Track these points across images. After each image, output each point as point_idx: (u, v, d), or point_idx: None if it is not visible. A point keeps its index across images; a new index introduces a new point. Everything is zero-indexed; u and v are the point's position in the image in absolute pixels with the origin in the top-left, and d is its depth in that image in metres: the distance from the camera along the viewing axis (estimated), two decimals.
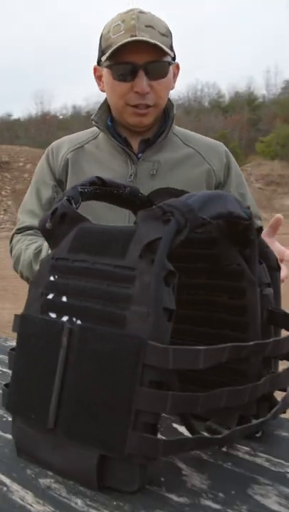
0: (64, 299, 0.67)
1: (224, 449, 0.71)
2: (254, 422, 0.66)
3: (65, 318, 0.66)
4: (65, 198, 0.73)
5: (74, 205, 0.74)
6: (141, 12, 1.24)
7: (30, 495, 0.60)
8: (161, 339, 0.58)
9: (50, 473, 0.65)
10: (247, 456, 0.70)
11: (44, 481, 0.63)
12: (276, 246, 1.01)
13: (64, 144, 1.37)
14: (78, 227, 0.70)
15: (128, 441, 0.58)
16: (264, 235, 1.02)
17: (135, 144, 1.34)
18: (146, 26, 1.20)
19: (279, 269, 0.80)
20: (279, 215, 1.05)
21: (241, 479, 0.64)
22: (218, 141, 1.41)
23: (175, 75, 1.33)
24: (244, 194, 1.37)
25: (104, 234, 0.67)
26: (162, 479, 0.64)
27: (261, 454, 0.71)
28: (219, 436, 0.62)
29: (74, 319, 0.65)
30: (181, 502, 0.59)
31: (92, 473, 0.60)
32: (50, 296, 0.68)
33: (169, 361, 0.58)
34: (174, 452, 0.62)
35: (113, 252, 0.64)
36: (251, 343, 0.62)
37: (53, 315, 0.67)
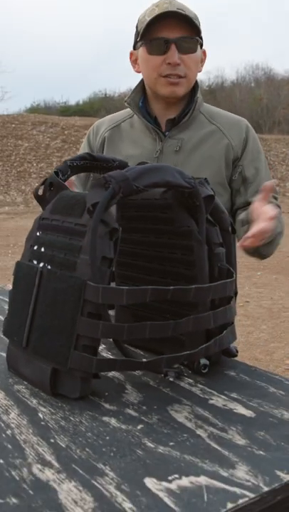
0: (42, 249, 0.85)
1: (171, 379, 0.86)
2: (182, 353, 0.80)
3: (41, 264, 0.84)
4: (54, 170, 0.91)
5: (62, 176, 0.92)
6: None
7: (3, 394, 0.81)
8: (97, 280, 0.75)
9: (26, 382, 0.85)
10: (186, 386, 0.85)
11: (17, 387, 0.83)
12: (265, 208, 1.09)
13: (104, 123, 1.55)
14: (60, 193, 0.88)
15: (70, 358, 0.76)
16: (259, 200, 1.13)
17: (163, 123, 1.45)
18: (179, 9, 1.34)
19: (233, 232, 0.92)
20: (268, 182, 1.13)
21: (168, 399, 0.79)
22: (240, 117, 1.50)
23: (202, 60, 1.46)
24: (258, 169, 1.44)
25: (73, 198, 0.84)
26: (106, 393, 0.81)
27: (199, 385, 0.85)
28: (144, 360, 0.77)
29: (46, 265, 0.83)
30: (109, 408, 0.76)
31: (47, 382, 0.79)
32: (35, 248, 0.87)
33: (99, 297, 0.74)
34: (105, 369, 0.78)
35: (76, 213, 0.81)
36: (171, 287, 0.76)
37: (34, 262, 0.86)
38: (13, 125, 17.91)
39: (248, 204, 1.38)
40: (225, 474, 0.57)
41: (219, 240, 0.88)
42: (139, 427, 0.71)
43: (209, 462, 0.61)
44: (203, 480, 0.56)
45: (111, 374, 0.89)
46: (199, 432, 0.69)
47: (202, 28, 1.41)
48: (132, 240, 0.98)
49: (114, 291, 0.74)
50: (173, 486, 0.55)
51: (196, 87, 1.46)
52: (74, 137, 17.97)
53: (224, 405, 0.77)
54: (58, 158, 17.07)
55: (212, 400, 0.79)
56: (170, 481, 0.56)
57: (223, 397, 0.80)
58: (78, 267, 0.77)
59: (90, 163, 0.96)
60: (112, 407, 0.77)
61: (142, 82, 1.48)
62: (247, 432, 0.68)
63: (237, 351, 0.94)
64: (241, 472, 0.58)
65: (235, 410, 0.76)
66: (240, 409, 0.76)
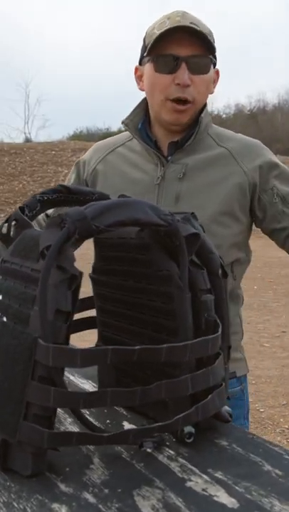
0: (0, 297, 0.75)
1: (149, 450, 0.73)
2: (153, 425, 0.67)
3: None
4: (20, 205, 0.81)
5: (29, 212, 0.81)
6: (186, 12, 1.26)
7: None
8: (48, 338, 0.63)
9: None
10: (165, 460, 0.71)
11: None
12: None
13: (97, 152, 1.42)
14: (23, 233, 0.77)
15: (19, 430, 0.64)
16: None
17: (165, 146, 1.33)
18: (192, 23, 1.22)
19: (224, 275, 0.79)
20: None
21: (138, 480, 0.66)
22: (255, 140, 1.35)
23: (215, 81, 1.33)
24: None
25: (32, 239, 0.73)
26: (67, 469, 0.69)
27: (180, 459, 0.71)
28: (104, 434, 0.65)
29: (2, 316, 0.72)
30: (64, 491, 0.63)
31: None
32: None
33: (49, 359, 0.62)
34: (59, 444, 0.65)
35: (33, 256, 0.70)
36: (137, 347, 0.63)
37: None
38: (54, 152, 18.24)
39: None
40: None
41: (206, 286, 0.75)
42: None
43: None
44: None
45: None
46: None
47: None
48: (111, 283, 0.86)
49: (66, 352, 0.62)
50: None
51: (203, 108, 1.33)
52: None
53: (203, 490, 0.64)
54: None
55: (191, 481, 0.66)
56: None
57: (205, 477, 0.67)
58: (31, 320, 0.66)
59: (65, 197, 0.86)
60: (68, 490, 0.64)
61: (144, 101, 1.36)
62: None
63: (231, 416, 0.80)
64: None
65: (215, 498, 0.62)
66: (222, 497, 0.62)
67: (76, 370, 1.06)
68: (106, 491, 0.64)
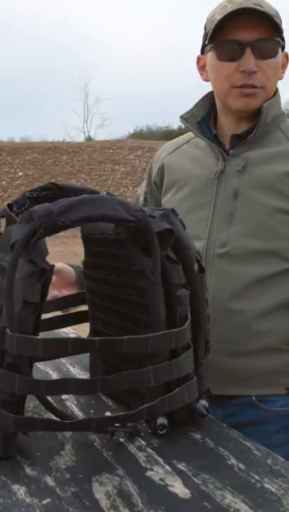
0: None
1: (121, 439, 0.75)
2: (117, 414, 0.69)
3: None
4: (8, 202, 0.84)
5: (18, 208, 0.85)
6: None
7: None
8: (14, 328, 0.66)
9: None
10: (134, 450, 0.73)
11: None
12: None
13: (165, 149, 1.38)
14: (7, 228, 0.81)
15: None
16: None
17: (227, 140, 1.23)
18: (255, 4, 1.11)
19: (201, 270, 0.80)
20: None
21: (101, 467, 0.68)
22: None
23: (284, 65, 1.20)
24: None
25: (11, 234, 0.76)
26: (38, 454, 0.72)
27: (148, 450, 0.73)
28: (67, 421, 0.67)
29: None
30: (28, 474, 0.67)
31: None
32: None
33: (13, 347, 0.65)
34: (24, 429, 0.69)
35: (9, 250, 0.74)
36: (97, 338, 0.66)
37: None
38: (111, 150, 18.45)
39: None
40: None
41: (181, 281, 0.76)
42: (44, 502, 0.61)
43: None
44: None
45: None
46: None
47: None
48: (98, 277, 0.88)
49: (28, 341, 0.65)
50: None
51: (276, 96, 1.21)
52: None
53: (161, 480, 0.65)
54: None
55: (152, 471, 0.68)
56: None
57: (167, 467, 0.68)
58: (3, 311, 0.69)
59: (55, 194, 0.89)
60: (32, 473, 0.67)
61: (208, 94, 1.27)
62: None
63: (207, 411, 0.81)
64: None
65: (170, 488, 0.63)
66: (177, 487, 0.63)
67: (76, 362, 1.09)
68: (67, 475, 0.66)
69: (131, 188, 16.99)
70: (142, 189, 1.40)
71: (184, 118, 1.26)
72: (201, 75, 1.24)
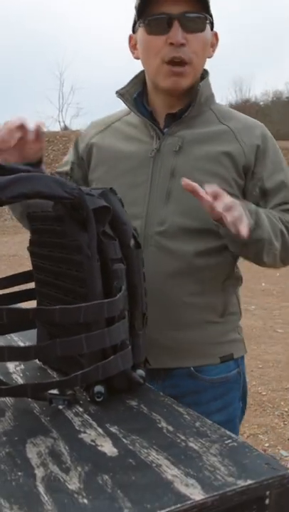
0: None
1: (60, 407, 0.79)
2: (51, 381, 0.73)
3: None
4: None
5: None
6: None
7: None
8: None
9: None
10: (70, 415, 0.77)
11: None
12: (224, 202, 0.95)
13: (94, 127, 1.35)
14: None
15: None
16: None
17: (162, 118, 1.23)
18: None
19: (137, 246, 0.83)
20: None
21: (37, 430, 0.72)
22: (258, 122, 1.25)
23: (213, 44, 1.23)
24: (283, 181, 1.21)
25: None
26: None
27: (85, 415, 0.77)
28: (3, 387, 0.71)
29: None
30: None
31: None
32: None
33: None
34: None
35: None
36: (31, 307, 0.69)
37: None
38: None
39: None
40: None
41: (117, 255, 0.80)
42: None
43: (17, 509, 0.53)
44: None
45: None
46: (37, 471, 0.61)
47: None
48: (42, 254, 0.92)
49: None
50: None
51: (204, 77, 1.23)
52: None
53: (92, 441, 0.69)
54: None
55: (84, 433, 0.71)
56: None
57: (99, 430, 0.72)
58: None
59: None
60: None
61: (141, 72, 1.28)
62: (90, 475, 0.60)
63: (144, 380, 0.85)
64: None
65: (99, 447, 0.67)
66: (106, 447, 0.67)
67: (21, 335, 1.12)
68: (4, 438, 0.70)
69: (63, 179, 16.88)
70: (68, 158, 1.37)
71: (120, 93, 1.26)
72: (132, 53, 1.25)
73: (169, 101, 1.22)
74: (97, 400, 0.80)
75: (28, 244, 0.97)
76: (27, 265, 0.98)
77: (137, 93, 1.27)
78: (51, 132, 19.71)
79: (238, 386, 1.23)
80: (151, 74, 1.20)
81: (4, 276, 1.02)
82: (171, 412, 0.78)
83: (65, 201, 0.75)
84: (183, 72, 1.15)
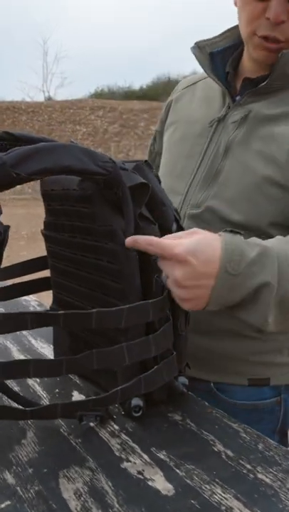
0: None
1: (91, 424, 0.66)
2: (87, 399, 0.60)
3: None
4: None
5: None
6: None
7: None
8: None
9: None
10: (106, 436, 0.64)
11: None
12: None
13: (177, 88, 1.15)
14: None
15: None
16: None
17: (239, 83, 0.99)
18: None
19: (180, 230, 0.70)
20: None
21: (69, 458, 0.59)
22: None
23: None
24: None
25: None
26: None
27: (122, 435, 0.64)
28: (28, 409, 0.57)
29: None
30: None
31: None
32: None
33: None
34: None
35: None
36: (61, 312, 0.55)
37: None
38: (72, 110, 17.98)
39: None
40: None
41: None
42: (3, 506, 0.51)
43: None
44: None
45: None
46: None
47: None
48: (61, 240, 0.77)
49: None
50: None
51: None
52: (132, 121, 17.80)
53: (139, 473, 0.57)
54: (116, 142, 17.00)
55: (128, 461, 0.59)
56: None
57: (145, 457, 0.60)
58: None
59: (10, 145, 0.76)
60: None
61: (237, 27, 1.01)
62: None
63: (187, 389, 0.72)
64: None
65: (149, 482, 0.55)
66: (158, 481, 0.55)
67: (38, 335, 0.99)
68: (30, 470, 0.57)
69: (93, 149, 16.65)
70: (156, 127, 1.19)
71: (197, 45, 1.01)
72: (235, 4, 0.99)
73: (258, 65, 0.98)
74: (135, 415, 0.67)
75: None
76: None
77: (221, 48, 1.03)
78: (36, 102, 19.28)
79: (274, 418, 0.97)
80: (243, 36, 0.98)
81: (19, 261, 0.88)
82: (224, 429, 0.66)
83: (97, 177, 0.61)
84: (277, 49, 0.93)
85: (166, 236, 0.63)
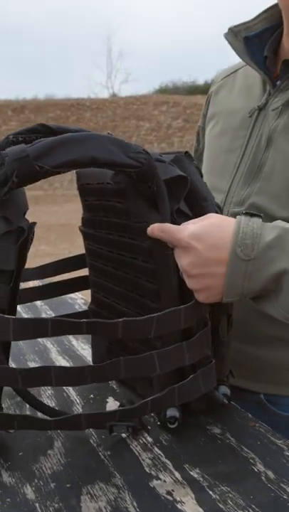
0: None
1: (124, 435, 0.62)
2: (113, 410, 0.56)
3: None
4: None
5: None
6: None
7: None
8: None
9: None
10: (137, 449, 0.60)
11: None
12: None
13: (216, 79, 1.06)
14: None
15: None
16: None
17: (279, 67, 0.89)
18: None
19: None
20: None
21: (95, 474, 0.55)
22: None
23: None
24: None
25: None
26: (20, 453, 0.59)
27: (155, 449, 0.60)
28: (51, 419, 0.54)
29: None
30: (3, 482, 0.54)
31: None
32: None
33: None
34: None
35: None
36: (84, 320, 0.51)
37: None
38: (135, 106, 18.02)
39: None
40: None
41: None
42: None
43: None
44: None
45: None
46: None
47: None
48: (99, 237, 0.73)
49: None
50: None
51: None
52: (196, 116, 17.61)
53: (168, 493, 0.52)
54: (180, 138, 16.90)
55: (158, 479, 0.54)
56: None
57: (176, 474, 0.55)
58: None
59: (45, 137, 0.73)
60: (10, 480, 0.54)
61: (276, 6, 0.92)
62: None
63: (229, 399, 0.66)
64: None
65: (178, 505, 0.50)
66: (188, 504, 0.50)
67: (80, 335, 0.96)
68: (52, 485, 0.53)
69: (156, 145, 16.64)
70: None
71: (232, 30, 0.93)
72: None
73: None
74: (170, 426, 0.62)
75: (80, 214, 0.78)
76: (79, 234, 0.78)
77: (257, 31, 0.93)
78: (100, 99, 19.48)
79: None
80: (282, 9, 0.88)
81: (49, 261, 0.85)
82: (267, 446, 0.60)
83: (128, 170, 0.56)
84: None
85: (184, 222, 0.58)
